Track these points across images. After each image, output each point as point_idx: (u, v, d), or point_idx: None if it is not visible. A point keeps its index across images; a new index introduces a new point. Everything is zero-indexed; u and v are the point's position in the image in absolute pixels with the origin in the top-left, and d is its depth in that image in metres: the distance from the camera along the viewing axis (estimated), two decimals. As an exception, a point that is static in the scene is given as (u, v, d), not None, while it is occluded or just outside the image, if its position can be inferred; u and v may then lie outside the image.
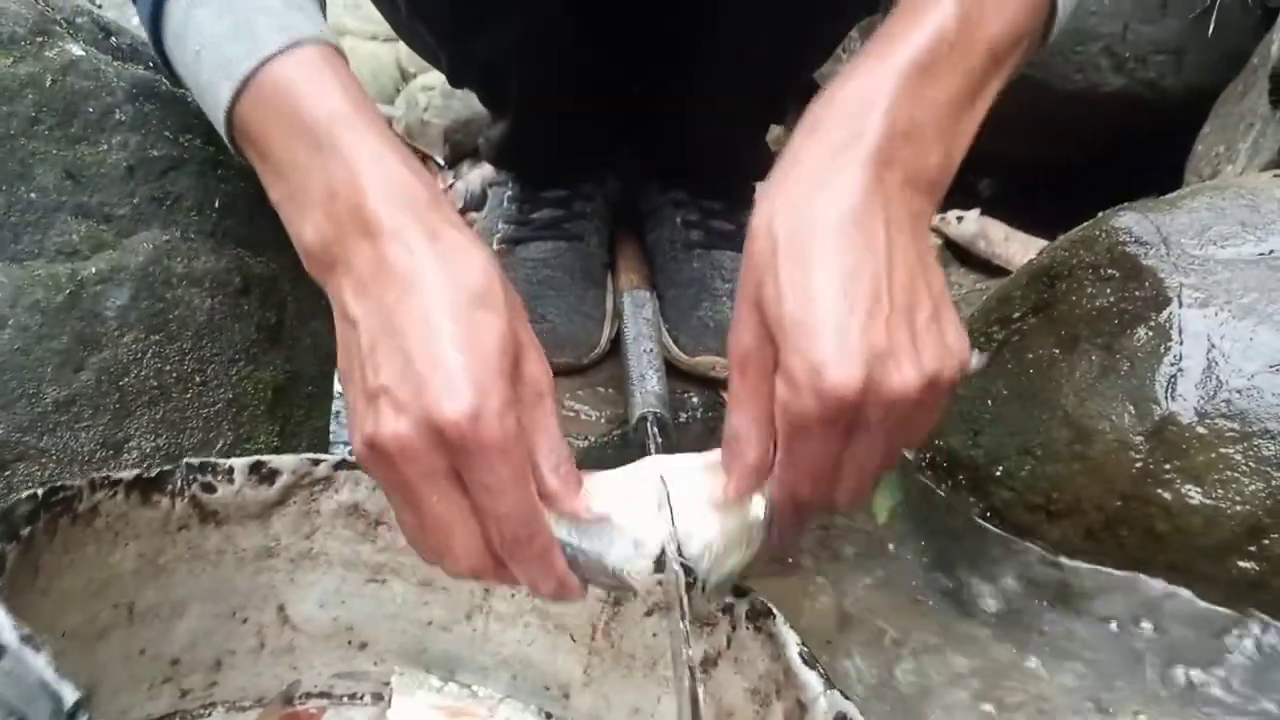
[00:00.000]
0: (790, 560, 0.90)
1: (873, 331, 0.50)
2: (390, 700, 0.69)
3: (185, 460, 0.64)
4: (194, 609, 0.67)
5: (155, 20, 0.66)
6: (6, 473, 0.70)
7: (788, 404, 0.51)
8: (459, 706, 0.71)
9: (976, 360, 0.56)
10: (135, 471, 0.62)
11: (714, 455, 0.57)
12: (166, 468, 0.63)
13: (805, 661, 0.55)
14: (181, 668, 0.67)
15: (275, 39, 0.59)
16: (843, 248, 0.51)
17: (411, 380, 0.51)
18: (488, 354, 0.51)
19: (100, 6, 0.91)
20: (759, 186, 0.56)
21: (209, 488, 0.65)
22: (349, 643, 0.72)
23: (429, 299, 0.52)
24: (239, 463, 0.66)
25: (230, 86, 0.60)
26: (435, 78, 1.76)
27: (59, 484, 0.57)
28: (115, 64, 0.81)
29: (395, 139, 0.58)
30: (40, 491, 0.55)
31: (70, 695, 0.41)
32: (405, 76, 2.04)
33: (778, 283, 0.51)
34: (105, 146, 0.78)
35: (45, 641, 0.43)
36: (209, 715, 0.69)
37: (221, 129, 0.62)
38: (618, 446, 1.06)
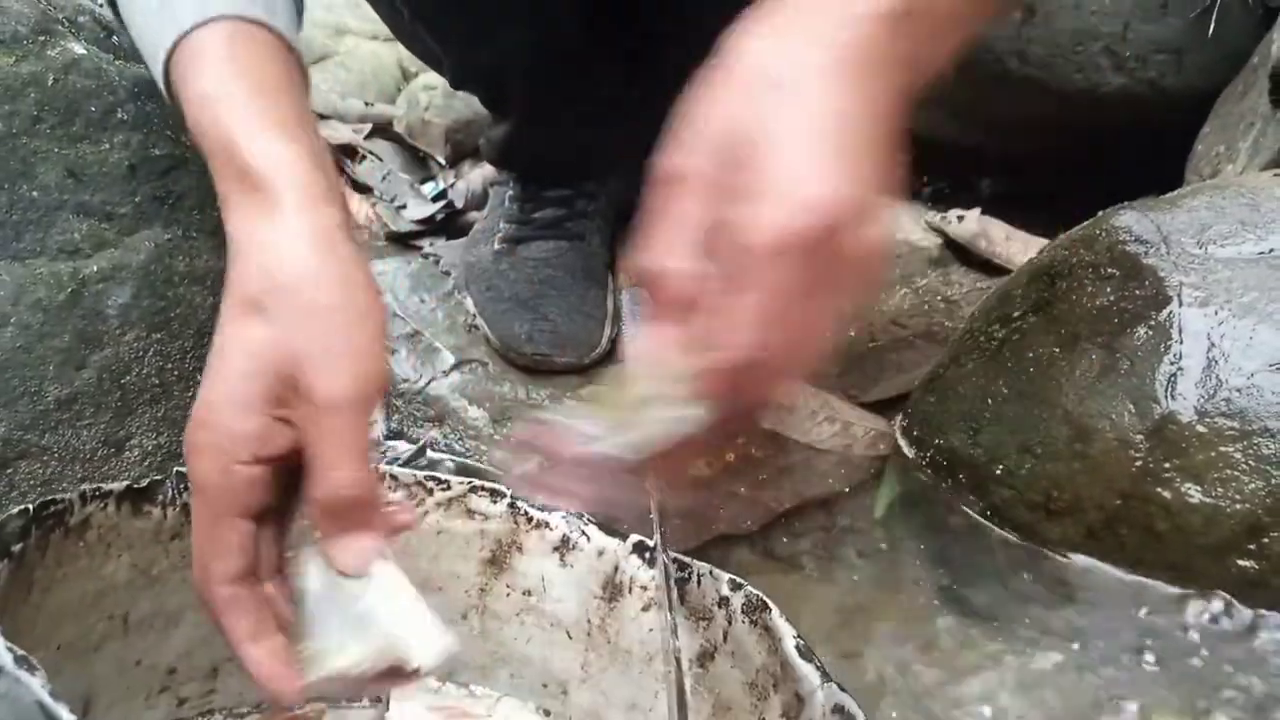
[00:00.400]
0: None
1: (864, 171, 0.45)
2: (388, 702, 0.69)
3: (175, 469, 0.64)
4: (189, 617, 0.66)
5: (117, 13, 0.63)
6: (9, 470, 0.70)
7: (759, 221, 0.44)
8: (457, 707, 0.71)
9: None
10: (126, 483, 0.62)
11: None
12: (157, 478, 0.63)
13: (802, 654, 0.55)
14: (178, 676, 0.67)
15: (190, 17, 0.56)
16: (837, 91, 0.46)
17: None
18: (227, 382, 0.49)
19: (102, 5, 0.91)
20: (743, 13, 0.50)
21: None
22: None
23: (219, 322, 0.51)
24: None
25: (159, 70, 0.57)
26: (436, 78, 1.75)
27: (50, 498, 0.57)
28: (117, 63, 0.82)
29: (253, 106, 0.53)
30: (31, 506, 0.55)
31: (68, 719, 0.41)
32: (406, 76, 2.04)
33: (758, 98, 0.46)
34: (107, 145, 0.78)
35: (39, 663, 0.43)
36: (207, 723, 0.69)
37: (175, 109, 0.59)
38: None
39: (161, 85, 0.58)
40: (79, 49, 0.79)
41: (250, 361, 0.48)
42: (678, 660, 0.52)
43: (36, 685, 0.42)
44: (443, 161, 1.71)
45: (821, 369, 0.48)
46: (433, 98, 1.75)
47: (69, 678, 0.45)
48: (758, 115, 0.46)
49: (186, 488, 0.64)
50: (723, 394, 0.46)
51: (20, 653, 0.43)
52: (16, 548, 0.52)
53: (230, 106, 0.53)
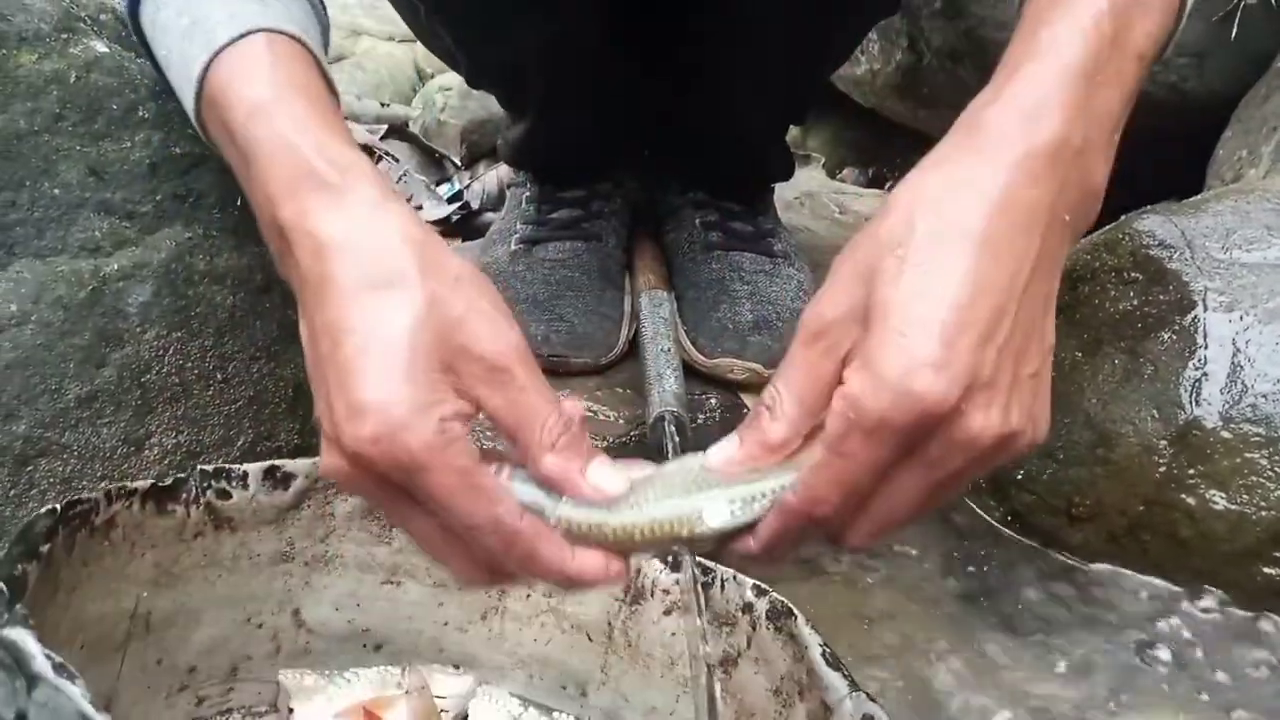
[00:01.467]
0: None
1: (981, 357, 0.44)
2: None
3: (199, 467, 0.64)
4: (210, 616, 0.66)
5: (138, 28, 0.63)
6: (29, 469, 0.70)
7: (859, 397, 0.44)
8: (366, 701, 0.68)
9: None
10: (150, 481, 0.62)
11: None
12: (180, 475, 0.63)
13: (829, 663, 0.55)
14: (198, 675, 0.67)
15: (224, 32, 0.56)
16: (981, 259, 0.45)
17: (327, 408, 0.47)
18: (393, 356, 0.45)
19: (120, 2, 0.91)
20: (908, 173, 0.49)
21: (223, 494, 0.65)
22: (365, 645, 0.72)
23: (334, 309, 0.47)
24: (253, 468, 0.66)
25: (192, 89, 0.57)
26: (452, 78, 1.76)
27: (76, 498, 0.57)
28: (139, 61, 0.82)
29: (313, 117, 0.53)
30: (58, 506, 0.54)
31: None
32: (422, 77, 2.04)
33: (900, 268, 0.45)
34: (128, 143, 0.78)
35: (78, 671, 0.42)
36: (225, 721, 0.69)
37: (198, 128, 0.59)
38: (636, 447, 1.06)
39: (191, 105, 0.58)
40: (101, 47, 0.79)
41: (412, 335, 0.46)
42: (709, 669, 0.51)
43: (78, 694, 0.41)
44: (458, 162, 1.71)
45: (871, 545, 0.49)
46: (448, 99, 1.75)
47: (93, 677, 0.44)
48: (896, 276, 0.45)
49: (210, 486, 0.64)
50: (777, 530, 0.47)
51: (59, 660, 0.42)
52: (45, 548, 0.52)
53: (290, 112, 0.53)
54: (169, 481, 0.62)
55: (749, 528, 0.48)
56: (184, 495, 0.63)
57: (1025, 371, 0.46)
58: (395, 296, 0.47)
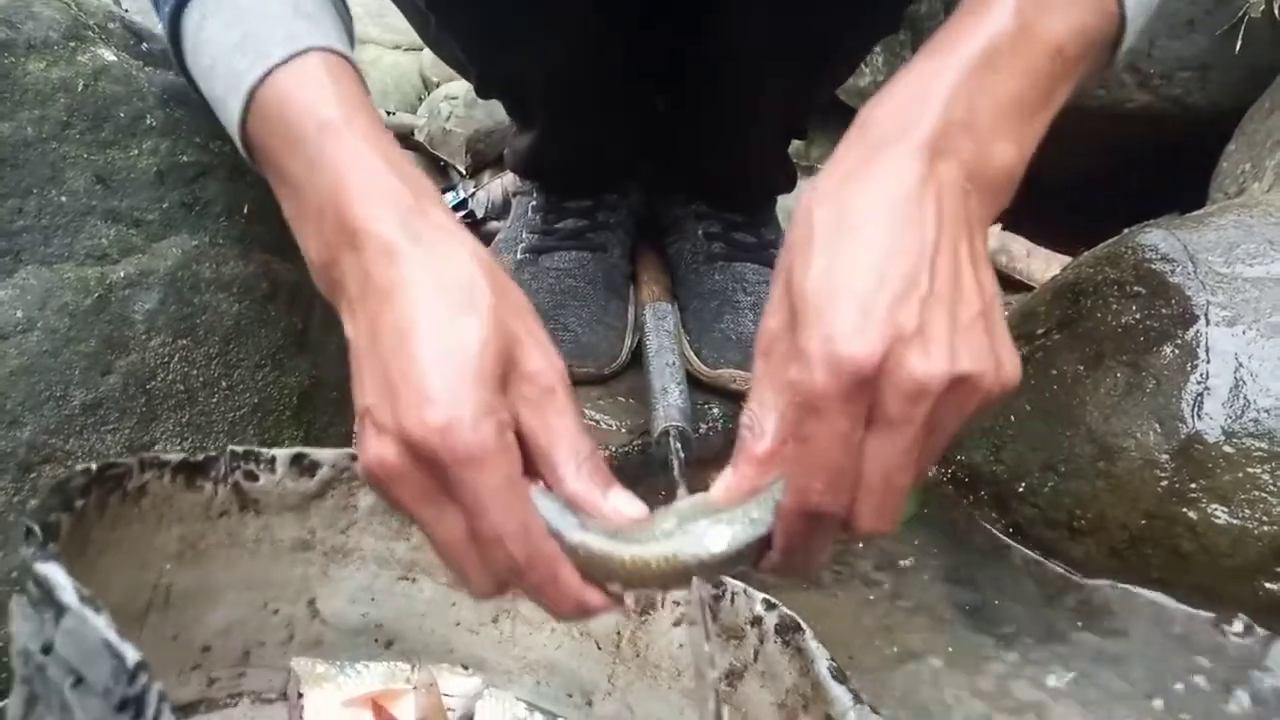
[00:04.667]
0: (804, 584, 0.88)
1: (902, 310, 0.46)
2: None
3: (230, 447, 0.65)
4: (228, 597, 0.67)
5: (175, 33, 0.64)
6: (33, 475, 0.70)
7: (797, 380, 0.46)
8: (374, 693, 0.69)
9: None
10: (182, 455, 0.63)
11: None
12: (212, 453, 0.64)
13: (835, 677, 0.55)
14: (212, 655, 0.68)
15: (279, 50, 0.57)
16: (883, 230, 0.48)
17: (388, 397, 0.48)
18: (465, 358, 0.48)
19: (127, 11, 0.92)
20: (802, 184, 0.53)
21: (251, 476, 0.66)
22: (376, 640, 0.72)
23: (406, 309, 0.50)
24: (281, 453, 0.67)
25: (239, 101, 0.58)
26: (458, 87, 1.76)
27: (111, 461, 0.58)
28: (146, 69, 0.82)
29: (383, 140, 0.56)
30: (93, 466, 0.56)
31: (133, 656, 0.41)
32: (428, 86, 2.04)
33: (807, 259, 0.48)
34: (136, 151, 0.78)
35: (104, 604, 0.43)
36: (235, 705, 0.69)
37: (238, 141, 0.61)
38: (639, 457, 1.06)
39: (238, 115, 0.59)
40: (109, 55, 0.80)
41: (482, 346, 0.49)
42: (716, 693, 0.52)
43: (102, 624, 0.42)
44: (463, 171, 1.71)
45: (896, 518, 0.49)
46: (454, 108, 1.75)
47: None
48: (804, 271, 0.48)
49: (238, 467, 0.65)
50: (787, 535, 0.48)
51: (86, 592, 0.43)
52: (79, 503, 0.53)
53: (362, 130, 0.55)
54: (200, 458, 0.63)
55: (766, 544, 0.49)
56: (213, 473, 0.64)
57: (963, 316, 0.48)
58: (468, 309, 0.49)
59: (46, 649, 0.43)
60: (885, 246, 0.47)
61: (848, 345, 0.45)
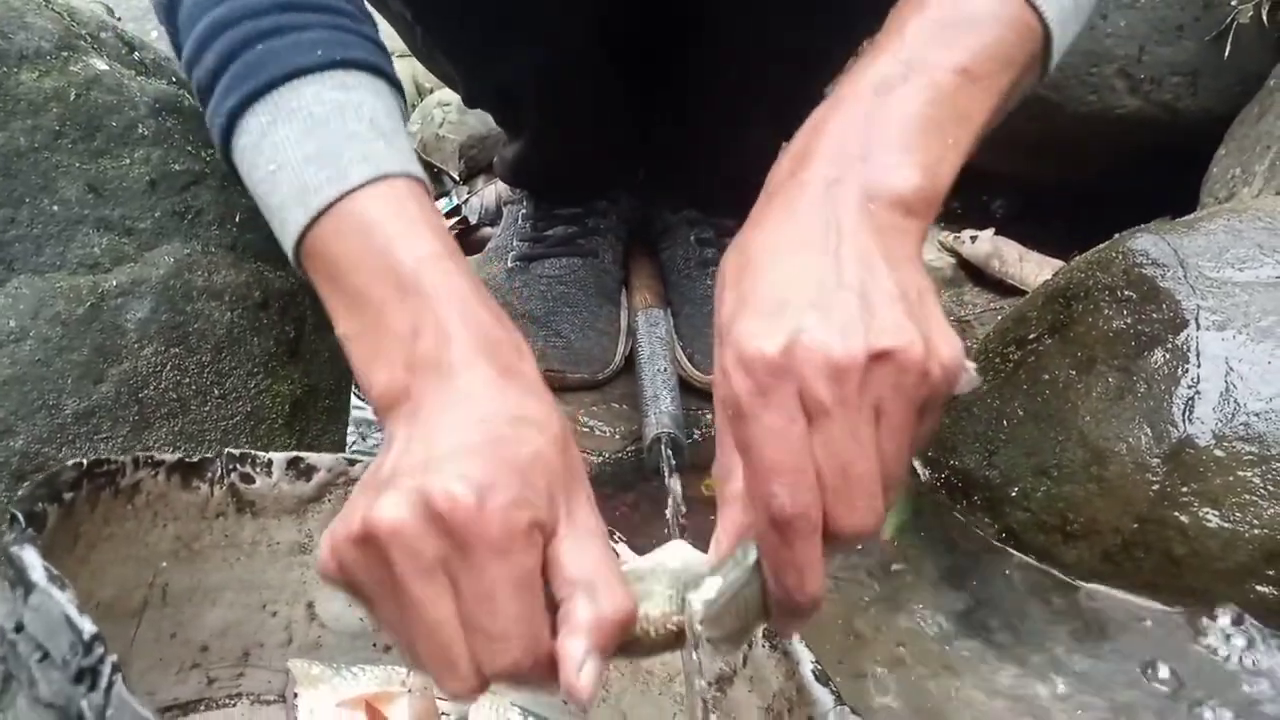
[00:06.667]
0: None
1: (806, 307, 0.47)
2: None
3: (226, 450, 0.66)
4: (226, 597, 0.68)
5: (229, 124, 0.62)
6: (26, 484, 0.70)
7: (724, 397, 0.48)
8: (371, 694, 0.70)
9: (967, 379, 0.50)
10: (178, 455, 0.63)
11: None
12: (208, 455, 0.65)
13: (817, 678, 0.56)
14: (210, 655, 0.68)
15: (359, 170, 0.57)
16: (783, 256, 0.50)
17: (424, 464, 0.48)
18: (514, 458, 0.48)
19: (119, 21, 0.92)
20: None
21: (247, 478, 0.66)
22: (374, 645, 0.72)
23: (473, 408, 0.50)
24: (278, 456, 0.67)
25: (306, 212, 0.58)
26: (451, 94, 1.76)
27: (103, 458, 0.58)
28: (139, 79, 0.82)
29: (478, 282, 0.57)
30: (85, 461, 0.56)
31: (89, 629, 0.43)
32: (421, 92, 2.05)
33: (721, 302, 0.51)
34: (127, 160, 0.78)
35: (70, 582, 0.44)
36: (234, 705, 0.70)
37: (288, 247, 0.60)
38: (632, 463, 1.06)
39: (300, 227, 0.58)
40: (101, 65, 0.80)
41: (539, 451, 0.49)
42: (705, 702, 0.52)
43: (64, 599, 0.43)
44: (456, 177, 1.72)
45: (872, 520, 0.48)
46: (447, 114, 1.76)
47: (106, 637, 0.45)
48: (719, 308, 0.51)
49: (235, 468, 0.65)
50: (780, 558, 0.47)
51: (54, 571, 0.44)
52: (68, 496, 0.54)
53: (463, 272, 0.56)
54: (196, 458, 0.64)
55: (785, 593, 0.48)
56: (209, 474, 0.65)
57: (877, 300, 0.48)
58: (529, 430, 0.50)
59: (19, 628, 0.45)
60: (786, 267, 0.50)
61: (751, 343, 0.47)
